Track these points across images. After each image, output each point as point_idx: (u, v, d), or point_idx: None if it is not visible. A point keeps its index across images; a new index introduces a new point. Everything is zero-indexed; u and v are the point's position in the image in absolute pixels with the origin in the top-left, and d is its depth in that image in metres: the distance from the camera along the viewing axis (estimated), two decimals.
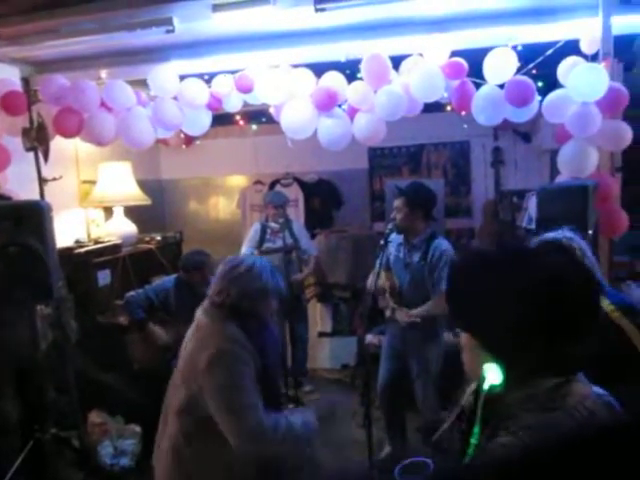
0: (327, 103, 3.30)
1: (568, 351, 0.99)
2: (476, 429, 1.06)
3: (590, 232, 2.48)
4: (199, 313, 2.04)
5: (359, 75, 3.29)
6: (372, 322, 3.90)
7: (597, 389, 1.06)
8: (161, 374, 3.42)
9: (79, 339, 3.47)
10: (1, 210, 2.60)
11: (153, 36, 3.27)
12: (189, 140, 5.45)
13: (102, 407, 3.59)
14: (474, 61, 3.14)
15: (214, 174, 5.95)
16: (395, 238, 3.21)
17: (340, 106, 3.43)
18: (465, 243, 5.22)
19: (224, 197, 6.07)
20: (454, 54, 3.17)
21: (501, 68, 3.05)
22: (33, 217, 2.53)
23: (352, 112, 3.41)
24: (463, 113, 3.46)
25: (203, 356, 1.85)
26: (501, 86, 3.08)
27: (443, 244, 3.14)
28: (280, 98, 3.39)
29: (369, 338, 3.99)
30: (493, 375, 1.02)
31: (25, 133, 3.02)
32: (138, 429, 3.50)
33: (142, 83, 3.57)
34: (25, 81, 3.94)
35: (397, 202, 3.14)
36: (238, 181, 5.93)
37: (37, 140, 2.97)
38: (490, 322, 1.02)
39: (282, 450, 1.95)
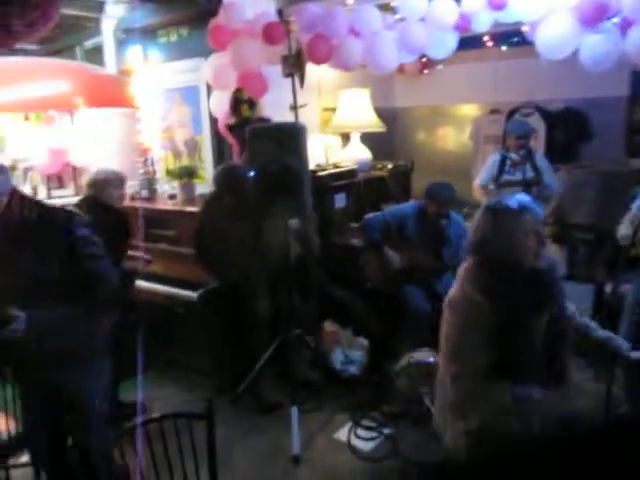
0: (594, 17, 2.89)
1: None
2: None
3: None
4: None
5: None
6: (615, 269, 3.50)
7: None
8: (391, 295, 3.61)
9: (318, 256, 3.78)
10: (265, 131, 2.89)
11: None
12: (427, 66, 5.34)
13: (335, 319, 3.92)
14: None
15: (447, 102, 5.75)
16: None
17: (610, 19, 2.98)
18: None
19: (455, 127, 5.87)
20: None
21: None
22: (293, 138, 2.76)
23: (624, 26, 2.94)
24: None
25: None
26: None
27: None
28: (537, 14, 3.06)
29: (610, 287, 3.60)
30: None
31: (285, 60, 3.25)
32: (366, 342, 3.75)
33: (389, 7, 3.55)
34: (279, 12, 4.22)
35: None
36: (472, 110, 5.66)
37: (295, 66, 3.17)
38: None
39: None
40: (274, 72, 3.72)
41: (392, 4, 3.52)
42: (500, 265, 1.82)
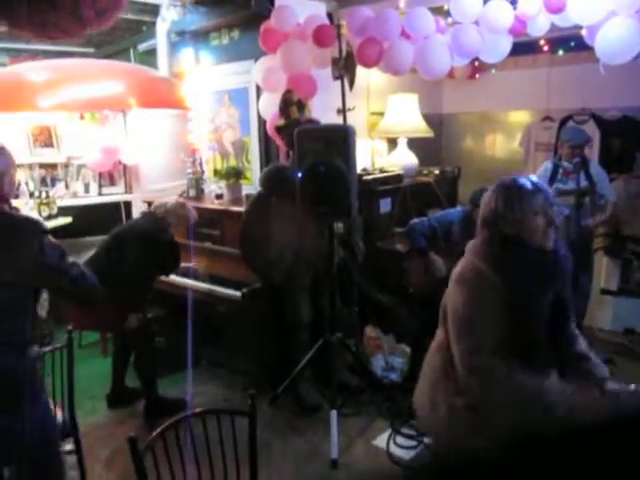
0: None
1: None
2: None
3: None
4: None
5: None
6: None
7: None
8: (434, 302, 3.54)
9: (362, 260, 3.75)
10: (314, 132, 2.89)
11: None
12: (478, 71, 5.26)
13: (377, 324, 3.87)
14: None
15: (498, 108, 5.64)
16: None
17: None
18: None
19: (504, 134, 5.75)
20: None
21: None
22: (340, 139, 2.75)
23: None
24: None
25: None
26: None
27: None
28: (597, 17, 2.97)
29: None
30: None
31: (334, 62, 3.26)
32: (407, 349, 3.69)
33: (442, 10, 3.51)
34: (330, 16, 4.24)
35: None
36: (522, 117, 5.53)
37: (345, 69, 3.17)
38: None
39: None
40: (323, 75, 3.74)
41: (445, 7, 3.47)
42: (509, 241, 1.85)
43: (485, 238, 1.91)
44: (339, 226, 3.28)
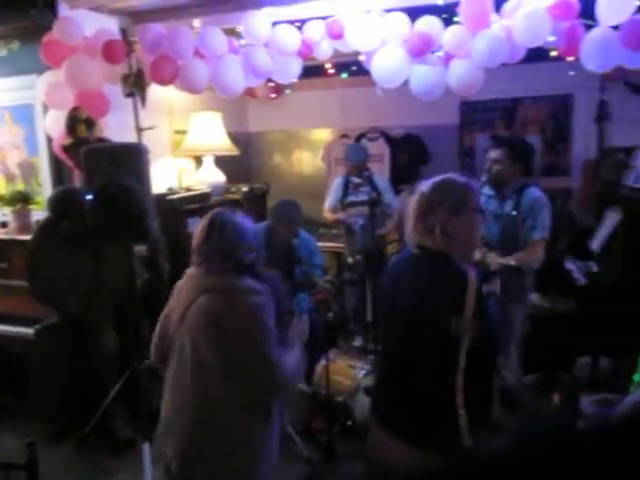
0: (421, 49, 3.16)
1: None
2: None
3: None
4: None
5: (456, 19, 3.12)
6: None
7: None
8: None
9: (170, 281, 3.64)
10: (102, 152, 2.74)
11: None
12: (276, 91, 5.46)
13: None
14: (585, 0, 2.87)
15: (300, 127, 5.94)
16: (485, 191, 3.07)
17: (435, 53, 3.28)
18: (560, 203, 4.92)
19: (309, 150, 6.07)
20: None
21: (617, 7, 2.77)
22: (131, 159, 2.64)
23: (447, 59, 3.25)
24: (570, 59, 3.20)
25: None
26: (615, 28, 2.80)
27: (535, 192, 3.00)
28: (371, 44, 3.28)
29: None
30: None
31: (124, 79, 3.14)
32: None
33: (235, 31, 3.58)
34: (123, 32, 4.07)
35: (495, 153, 2.98)
36: (324, 134, 5.90)
37: (135, 86, 3.07)
38: None
39: None
40: (118, 92, 3.57)
41: (238, 28, 3.55)
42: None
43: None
44: (141, 249, 3.15)
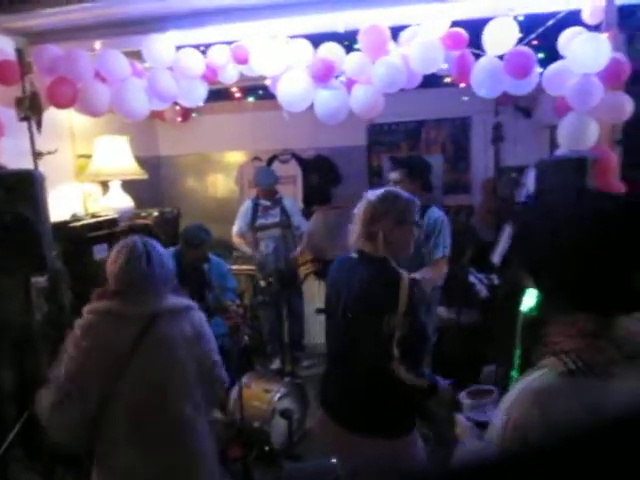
0: (324, 74, 3.25)
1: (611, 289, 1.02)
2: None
3: None
4: None
5: (357, 46, 3.24)
6: None
7: None
8: None
9: (75, 311, 3.46)
10: None
11: (149, 4, 3.23)
12: (185, 115, 5.40)
13: None
14: (474, 32, 3.08)
15: (212, 150, 5.91)
16: None
17: (337, 78, 3.39)
18: (463, 219, 5.20)
19: (222, 173, 6.03)
20: (454, 24, 3.12)
21: (501, 39, 3.00)
22: (25, 186, 2.51)
23: (350, 84, 3.36)
24: (462, 85, 3.42)
25: None
26: (501, 57, 3.03)
27: (436, 212, 3.16)
28: (276, 69, 3.33)
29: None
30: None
31: (18, 102, 2.99)
32: None
33: (138, 55, 3.52)
34: (19, 52, 3.89)
35: (395, 175, 3.11)
36: (236, 157, 5.89)
37: (30, 109, 2.93)
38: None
39: None
40: (13, 116, 3.38)
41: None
42: None
43: None
44: (40, 280, 2.98)
